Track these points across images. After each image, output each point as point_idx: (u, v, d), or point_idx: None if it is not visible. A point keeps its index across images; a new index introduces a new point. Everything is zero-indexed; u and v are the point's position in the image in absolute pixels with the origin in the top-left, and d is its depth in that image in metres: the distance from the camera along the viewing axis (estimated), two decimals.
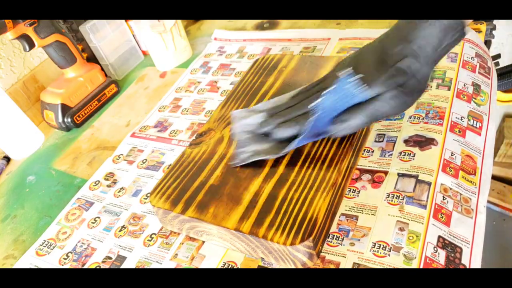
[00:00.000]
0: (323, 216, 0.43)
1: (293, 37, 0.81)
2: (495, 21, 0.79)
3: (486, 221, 0.46)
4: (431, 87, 0.59)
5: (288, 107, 0.50)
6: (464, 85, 0.59)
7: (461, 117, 0.55)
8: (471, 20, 0.45)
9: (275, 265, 0.45)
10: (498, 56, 0.89)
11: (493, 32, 0.78)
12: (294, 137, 0.47)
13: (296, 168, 0.48)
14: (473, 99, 0.57)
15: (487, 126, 0.55)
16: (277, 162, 0.49)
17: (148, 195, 0.58)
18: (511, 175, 1.39)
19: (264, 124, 0.50)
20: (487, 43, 0.81)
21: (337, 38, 0.76)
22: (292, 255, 0.42)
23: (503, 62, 0.97)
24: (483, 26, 0.70)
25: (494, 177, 1.41)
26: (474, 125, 0.54)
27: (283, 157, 0.49)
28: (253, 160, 0.49)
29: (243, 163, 0.49)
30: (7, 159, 0.76)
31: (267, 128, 0.50)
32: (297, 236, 0.41)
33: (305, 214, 0.43)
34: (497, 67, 0.95)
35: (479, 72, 0.61)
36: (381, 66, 0.43)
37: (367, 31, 0.74)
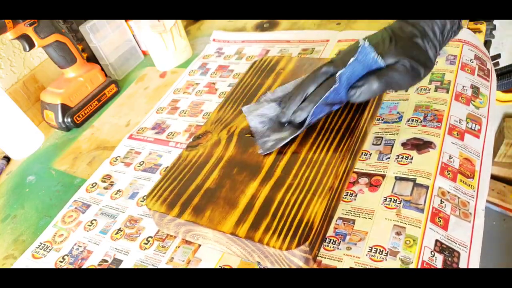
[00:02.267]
0: (320, 220, 0.43)
1: (291, 38, 0.81)
2: (495, 21, 0.79)
3: (486, 221, 0.45)
4: (429, 89, 0.59)
5: (299, 90, 0.51)
6: (463, 88, 0.59)
7: (460, 119, 0.55)
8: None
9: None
10: (498, 56, 0.89)
11: (493, 32, 0.78)
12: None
13: (293, 172, 0.48)
14: (472, 101, 0.57)
15: (486, 129, 0.55)
16: (274, 165, 0.49)
17: (145, 197, 0.59)
18: (511, 175, 1.38)
19: (281, 116, 0.52)
20: (487, 43, 0.81)
21: (336, 40, 0.76)
22: (288, 260, 0.42)
23: (503, 62, 0.97)
24: (483, 26, 0.70)
25: (494, 177, 1.41)
26: (473, 128, 0.54)
27: (280, 159, 0.49)
28: (279, 146, 0.50)
29: (270, 151, 0.50)
30: (7, 159, 0.76)
31: (285, 118, 0.51)
32: (293, 240, 0.41)
33: (302, 218, 0.43)
34: (497, 67, 0.95)
35: (478, 75, 0.61)
36: (391, 40, 0.47)
37: (367, 33, 0.74)
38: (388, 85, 0.46)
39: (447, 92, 0.58)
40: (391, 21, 0.75)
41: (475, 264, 0.42)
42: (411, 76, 0.46)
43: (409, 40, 0.47)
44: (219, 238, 0.46)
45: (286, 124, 0.52)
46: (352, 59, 0.45)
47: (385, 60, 0.46)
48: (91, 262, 0.52)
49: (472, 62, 0.62)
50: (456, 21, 0.48)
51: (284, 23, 0.87)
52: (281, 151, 0.50)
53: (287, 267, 0.43)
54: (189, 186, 0.50)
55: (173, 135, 0.68)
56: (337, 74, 0.46)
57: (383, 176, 0.50)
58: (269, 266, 0.45)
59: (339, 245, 0.45)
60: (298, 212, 0.43)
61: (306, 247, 0.41)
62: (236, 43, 0.86)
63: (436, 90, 0.58)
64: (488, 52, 0.69)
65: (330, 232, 0.47)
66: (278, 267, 0.44)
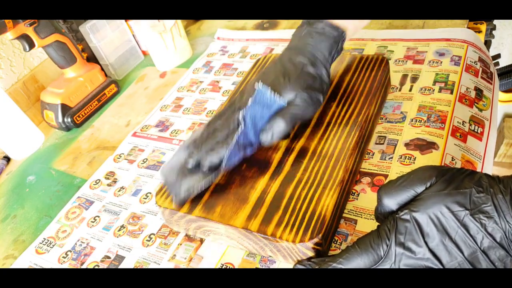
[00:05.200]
0: (331, 213, 0.43)
1: None
2: (495, 21, 0.79)
3: None
4: (433, 90, 0.59)
5: (208, 134, 0.49)
6: (467, 89, 0.58)
7: (463, 121, 0.54)
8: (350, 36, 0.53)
9: (283, 263, 0.45)
10: (498, 56, 0.89)
11: (493, 32, 0.78)
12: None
13: (302, 166, 0.48)
14: (475, 104, 0.57)
15: (488, 132, 0.54)
16: (283, 160, 0.49)
17: (148, 194, 0.58)
18: None
19: (191, 156, 0.48)
20: (487, 43, 0.81)
21: None
22: (301, 253, 0.42)
23: (503, 62, 0.97)
24: (483, 26, 0.70)
25: None
26: (476, 130, 0.54)
27: (288, 155, 0.49)
28: (193, 195, 0.47)
29: (183, 203, 0.48)
30: (7, 159, 0.76)
31: (195, 158, 0.48)
32: (306, 233, 0.41)
33: (313, 212, 0.43)
34: (497, 67, 0.95)
35: (481, 77, 0.61)
36: (284, 77, 0.49)
37: (371, 32, 0.74)
38: (294, 121, 0.48)
39: (451, 93, 0.57)
40: (392, 22, 0.75)
41: None
42: (312, 105, 0.49)
43: (301, 71, 0.49)
44: (230, 233, 0.46)
45: (200, 170, 0.47)
46: (250, 102, 0.47)
47: (284, 97, 0.48)
48: (94, 258, 0.52)
49: (476, 64, 0.62)
50: (340, 41, 0.52)
51: (284, 23, 0.87)
52: (289, 147, 0.50)
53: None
54: None
55: (176, 133, 0.68)
56: (240, 117, 0.46)
57: (386, 176, 0.50)
58: (282, 260, 0.45)
59: (340, 245, 0.45)
60: (310, 205, 0.44)
61: (320, 239, 0.41)
62: (240, 41, 0.86)
63: (440, 91, 0.58)
64: (488, 52, 0.69)
65: None
66: (290, 261, 0.44)
